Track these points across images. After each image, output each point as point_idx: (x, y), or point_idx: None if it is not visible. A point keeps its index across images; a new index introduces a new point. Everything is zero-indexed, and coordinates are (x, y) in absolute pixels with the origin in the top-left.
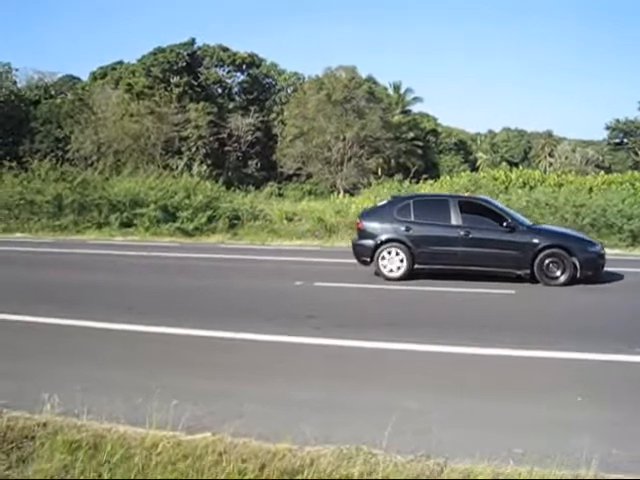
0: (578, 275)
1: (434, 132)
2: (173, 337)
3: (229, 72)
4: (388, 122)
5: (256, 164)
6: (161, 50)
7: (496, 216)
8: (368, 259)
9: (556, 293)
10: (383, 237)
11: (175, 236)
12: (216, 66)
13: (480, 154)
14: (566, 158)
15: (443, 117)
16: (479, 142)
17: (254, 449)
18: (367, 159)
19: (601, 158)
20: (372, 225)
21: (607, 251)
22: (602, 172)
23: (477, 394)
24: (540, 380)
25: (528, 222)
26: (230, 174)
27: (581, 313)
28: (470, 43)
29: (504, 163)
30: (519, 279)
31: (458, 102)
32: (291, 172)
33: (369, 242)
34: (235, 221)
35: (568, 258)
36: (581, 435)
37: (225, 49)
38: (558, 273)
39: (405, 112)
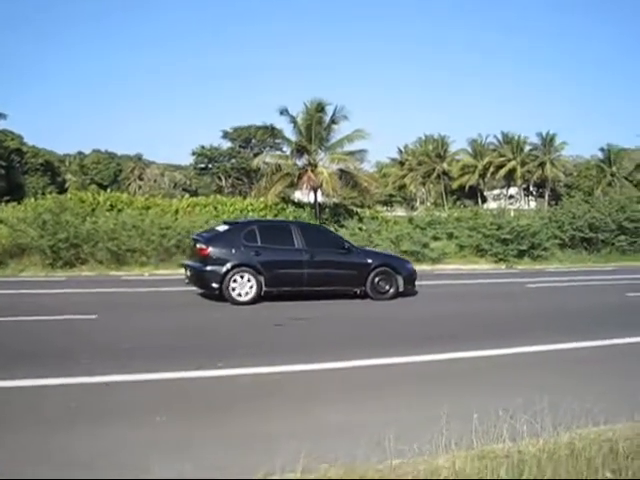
0: (401, 289)
1: (19, 151)
2: None
3: None
4: None
5: None
6: None
7: (333, 240)
8: (217, 285)
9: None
10: (233, 262)
11: None
12: None
13: (69, 176)
14: (155, 181)
15: (29, 136)
16: (68, 164)
17: None
18: None
19: (189, 182)
20: (221, 251)
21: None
22: (187, 195)
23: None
24: (125, 404)
25: (356, 245)
26: None
27: (160, 334)
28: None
29: (94, 185)
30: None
31: (46, 121)
32: None
33: (218, 268)
34: None
35: (394, 275)
36: (158, 454)
37: None
38: (387, 287)
39: None
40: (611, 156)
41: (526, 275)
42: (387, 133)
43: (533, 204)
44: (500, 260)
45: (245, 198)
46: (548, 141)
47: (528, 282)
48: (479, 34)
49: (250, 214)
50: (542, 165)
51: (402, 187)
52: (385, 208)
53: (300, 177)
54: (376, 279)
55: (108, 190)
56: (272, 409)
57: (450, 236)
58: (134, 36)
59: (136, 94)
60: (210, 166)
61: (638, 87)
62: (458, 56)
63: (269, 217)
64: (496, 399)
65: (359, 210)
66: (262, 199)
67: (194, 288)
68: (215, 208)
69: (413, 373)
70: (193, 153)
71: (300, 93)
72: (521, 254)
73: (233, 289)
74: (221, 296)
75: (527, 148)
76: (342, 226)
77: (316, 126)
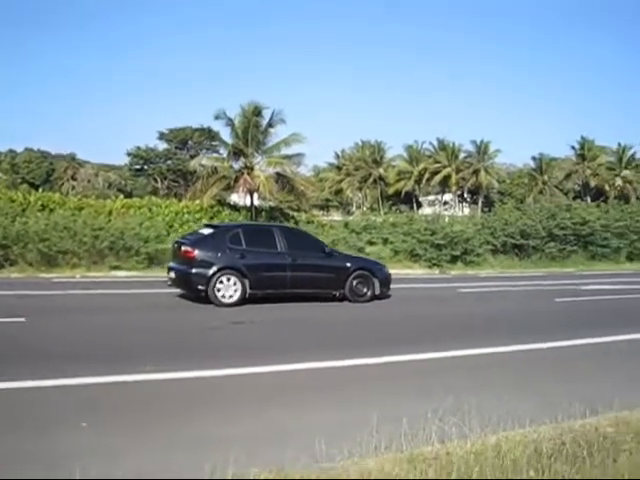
0: (377, 292)
1: None
2: None
3: None
4: None
5: None
6: None
7: (314, 244)
8: (203, 287)
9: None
10: (219, 265)
11: None
12: None
13: (0, 174)
14: (89, 182)
15: None
16: None
17: None
18: None
19: (124, 183)
20: (207, 253)
21: (125, 274)
22: (121, 196)
23: None
24: (47, 411)
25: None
26: None
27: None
28: None
29: (25, 185)
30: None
31: None
32: None
33: (204, 270)
34: None
35: (372, 278)
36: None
37: None
38: (365, 290)
39: None
40: (542, 165)
41: (459, 280)
42: (325, 137)
43: (467, 210)
44: (434, 265)
45: (181, 200)
46: (482, 149)
47: (460, 287)
48: (415, 37)
49: (185, 216)
50: (476, 172)
51: (339, 192)
52: (321, 212)
53: (236, 180)
54: (354, 282)
55: (40, 190)
56: (197, 413)
57: (385, 241)
58: (71, 33)
59: (71, 93)
60: (145, 167)
61: (569, 98)
62: (395, 61)
63: (204, 220)
64: (425, 402)
65: (295, 214)
66: (198, 202)
67: (133, 290)
68: (150, 210)
69: (345, 377)
70: (128, 154)
71: (238, 96)
72: (454, 259)
73: (219, 291)
74: (206, 298)
75: (462, 155)
76: None
77: (253, 129)
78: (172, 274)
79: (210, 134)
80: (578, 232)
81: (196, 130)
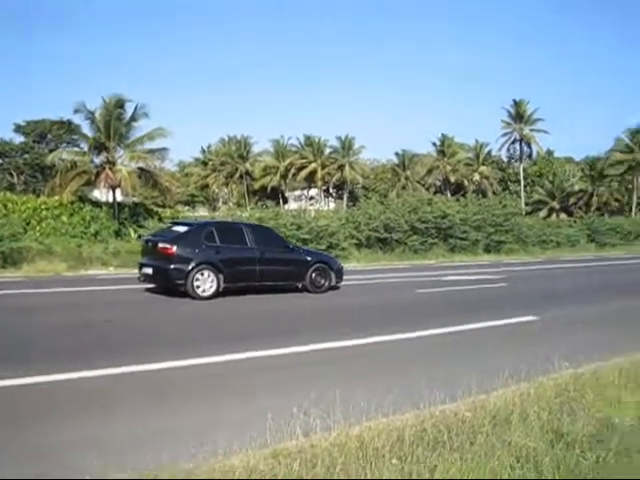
0: (333, 283)
1: None
2: None
3: None
4: None
5: None
6: None
7: (278, 239)
8: (182, 282)
9: None
10: (197, 260)
11: None
12: None
13: None
14: None
15: None
16: None
17: None
18: None
19: None
20: (185, 250)
21: None
22: None
23: None
24: None
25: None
26: None
27: None
28: None
29: None
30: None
31: None
32: None
33: (183, 266)
34: None
35: (329, 271)
36: None
37: None
38: (323, 282)
39: None
40: (405, 161)
41: None
42: (191, 133)
43: (332, 205)
44: None
45: (39, 196)
46: (347, 144)
47: None
48: (280, 30)
49: (44, 213)
50: (341, 168)
51: (205, 187)
52: (187, 208)
53: (98, 175)
54: (313, 275)
55: None
56: (55, 418)
57: None
58: None
59: None
60: (0, 161)
61: (431, 95)
62: (260, 55)
63: (64, 217)
64: (290, 395)
65: (160, 210)
66: (57, 198)
67: None
68: (5, 206)
69: (198, 376)
70: None
71: (99, 89)
72: None
73: (197, 285)
74: (184, 292)
75: (327, 151)
76: (141, 226)
77: (115, 122)
78: (147, 270)
79: (70, 127)
80: (439, 225)
81: (55, 123)
